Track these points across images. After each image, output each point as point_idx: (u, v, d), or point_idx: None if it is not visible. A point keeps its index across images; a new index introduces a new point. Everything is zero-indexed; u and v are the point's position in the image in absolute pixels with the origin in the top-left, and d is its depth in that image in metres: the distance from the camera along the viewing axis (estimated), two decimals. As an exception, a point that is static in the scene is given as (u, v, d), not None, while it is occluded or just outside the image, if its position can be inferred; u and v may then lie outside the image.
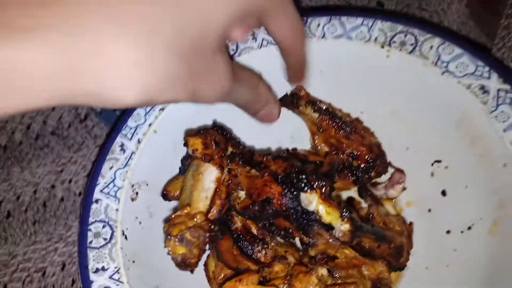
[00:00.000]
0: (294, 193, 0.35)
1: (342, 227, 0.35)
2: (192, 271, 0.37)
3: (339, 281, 0.34)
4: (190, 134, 0.38)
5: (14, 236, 0.57)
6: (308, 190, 0.35)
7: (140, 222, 0.41)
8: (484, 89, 0.38)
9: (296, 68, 0.40)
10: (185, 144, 0.37)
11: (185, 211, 0.35)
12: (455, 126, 0.41)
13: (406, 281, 0.43)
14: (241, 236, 0.36)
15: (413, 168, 0.46)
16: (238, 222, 0.37)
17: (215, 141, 0.37)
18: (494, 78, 0.38)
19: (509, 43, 0.54)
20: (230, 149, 0.38)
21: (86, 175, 0.60)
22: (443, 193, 0.44)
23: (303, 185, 0.35)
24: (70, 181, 0.60)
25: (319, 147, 0.44)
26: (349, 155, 0.43)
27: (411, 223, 0.44)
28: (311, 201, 0.35)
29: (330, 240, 0.34)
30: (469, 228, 0.40)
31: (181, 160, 0.41)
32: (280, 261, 0.35)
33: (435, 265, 0.42)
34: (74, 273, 0.53)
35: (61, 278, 0.53)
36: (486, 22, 0.58)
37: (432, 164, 0.45)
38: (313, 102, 0.44)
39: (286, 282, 0.33)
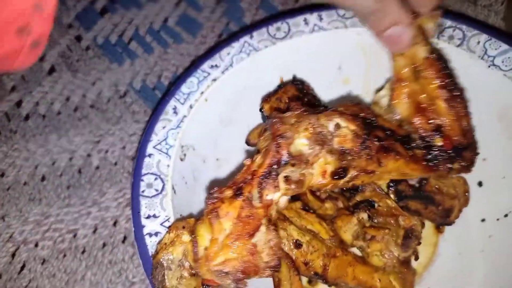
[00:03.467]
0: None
1: (387, 196, 0.37)
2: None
3: (376, 225, 0.36)
4: (265, 98, 0.40)
5: (48, 198, 0.58)
6: None
7: (186, 182, 0.43)
8: (529, 83, 0.40)
9: None
10: (261, 110, 0.39)
11: None
12: (497, 119, 0.43)
13: (438, 266, 0.44)
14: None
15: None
16: None
17: (289, 98, 0.39)
18: (539, 73, 0.40)
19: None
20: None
21: (122, 147, 0.62)
22: (480, 184, 0.45)
23: None
24: (106, 151, 0.62)
25: (396, 102, 0.35)
26: (434, 129, 0.34)
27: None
28: None
29: (377, 189, 0.36)
30: (506, 215, 0.41)
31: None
32: (331, 200, 0.38)
33: (468, 251, 0.43)
34: (105, 237, 0.54)
35: (92, 240, 0.54)
36: (522, 36, 0.61)
37: (470, 156, 0.46)
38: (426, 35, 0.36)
39: (329, 222, 0.36)
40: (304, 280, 0.41)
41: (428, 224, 0.46)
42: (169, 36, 0.72)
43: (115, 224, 0.55)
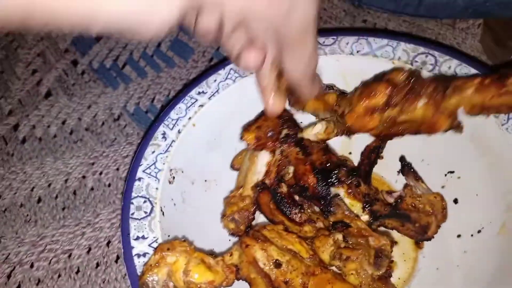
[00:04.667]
0: (325, 185, 0.39)
1: (362, 217, 0.39)
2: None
3: (350, 246, 0.38)
4: (246, 127, 0.42)
5: (44, 220, 0.60)
6: (336, 185, 0.40)
7: (174, 204, 0.45)
8: (497, 105, 0.43)
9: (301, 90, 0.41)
10: (241, 138, 0.42)
11: (239, 192, 0.41)
12: (469, 139, 0.45)
13: (417, 281, 0.46)
14: (284, 198, 0.40)
15: (428, 178, 0.49)
16: (284, 187, 0.41)
17: (269, 130, 0.42)
18: (506, 96, 0.43)
19: (519, 76, 0.59)
20: (285, 131, 0.43)
21: (116, 168, 0.64)
22: (455, 201, 0.47)
23: (333, 179, 0.40)
24: (101, 173, 0.64)
25: None
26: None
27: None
28: (338, 193, 0.40)
29: (346, 212, 0.38)
30: (479, 231, 0.43)
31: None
32: (310, 223, 0.40)
33: (445, 266, 0.45)
34: (99, 257, 0.56)
35: (86, 260, 0.56)
36: (498, 57, 0.63)
37: (445, 175, 0.49)
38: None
39: (308, 241, 0.38)
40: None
41: (409, 240, 0.48)
42: (162, 60, 0.75)
43: (108, 244, 0.57)
